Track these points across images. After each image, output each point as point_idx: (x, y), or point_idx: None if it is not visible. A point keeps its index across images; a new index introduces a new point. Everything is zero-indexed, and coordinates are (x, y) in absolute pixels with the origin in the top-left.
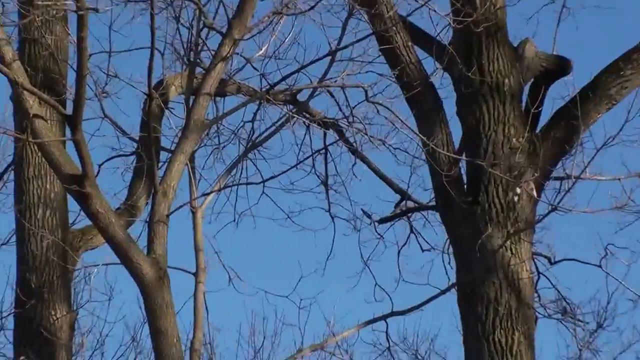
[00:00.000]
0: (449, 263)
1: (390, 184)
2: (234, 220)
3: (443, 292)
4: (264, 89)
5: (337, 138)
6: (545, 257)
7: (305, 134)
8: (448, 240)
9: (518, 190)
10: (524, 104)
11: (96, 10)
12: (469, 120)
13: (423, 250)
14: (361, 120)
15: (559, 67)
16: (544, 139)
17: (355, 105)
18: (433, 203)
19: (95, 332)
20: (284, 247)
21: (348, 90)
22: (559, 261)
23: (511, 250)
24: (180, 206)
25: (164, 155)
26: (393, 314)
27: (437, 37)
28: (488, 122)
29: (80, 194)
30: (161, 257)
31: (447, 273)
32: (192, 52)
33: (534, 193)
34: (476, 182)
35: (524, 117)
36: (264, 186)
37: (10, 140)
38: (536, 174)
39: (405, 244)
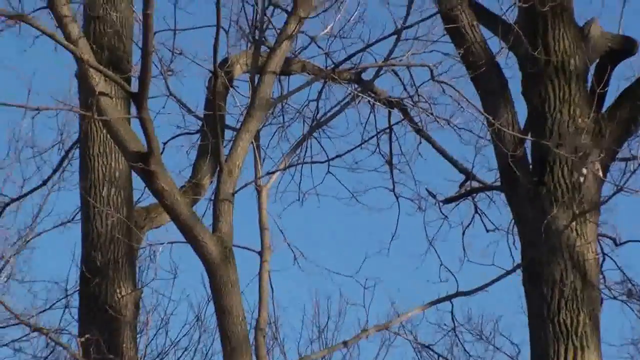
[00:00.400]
0: (514, 243)
1: (454, 163)
2: (299, 199)
3: (508, 272)
4: (329, 68)
5: (402, 117)
6: (611, 238)
7: (369, 113)
8: (513, 221)
9: (584, 170)
10: (589, 84)
11: None
12: (534, 100)
13: (488, 231)
14: (426, 100)
15: (625, 47)
16: (610, 119)
17: (421, 85)
18: (498, 183)
19: (160, 311)
20: (349, 226)
21: (413, 69)
22: (625, 242)
23: (577, 231)
24: (246, 185)
25: (228, 134)
26: (458, 294)
27: (503, 17)
28: (553, 102)
29: (146, 172)
30: (226, 235)
31: (511, 254)
32: (257, 30)
33: (600, 174)
34: (541, 162)
35: (590, 98)
36: (328, 165)
37: (75, 118)
38: (602, 155)
39: (469, 224)
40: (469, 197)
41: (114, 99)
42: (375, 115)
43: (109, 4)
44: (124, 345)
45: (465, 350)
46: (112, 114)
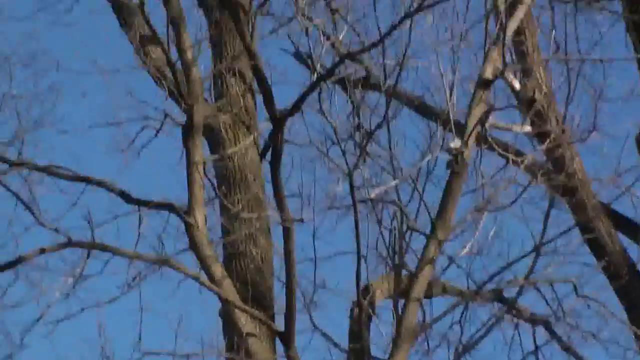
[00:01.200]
0: None
1: None
2: None
3: None
4: (470, 289)
5: (548, 336)
6: None
7: (514, 332)
8: None
9: None
10: None
11: (301, 220)
12: None
13: None
14: (571, 316)
15: None
16: None
17: (563, 299)
18: None
19: None
20: None
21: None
22: None
23: None
24: None
25: None
26: None
27: None
28: None
29: None
30: None
31: None
32: (396, 255)
33: None
34: None
35: None
36: None
37: None
38: None
39: None
40: None
41: (259, 337)
42: (519, 334)
43: (249, 240)
44: None
45: None
46: (261, 356)
